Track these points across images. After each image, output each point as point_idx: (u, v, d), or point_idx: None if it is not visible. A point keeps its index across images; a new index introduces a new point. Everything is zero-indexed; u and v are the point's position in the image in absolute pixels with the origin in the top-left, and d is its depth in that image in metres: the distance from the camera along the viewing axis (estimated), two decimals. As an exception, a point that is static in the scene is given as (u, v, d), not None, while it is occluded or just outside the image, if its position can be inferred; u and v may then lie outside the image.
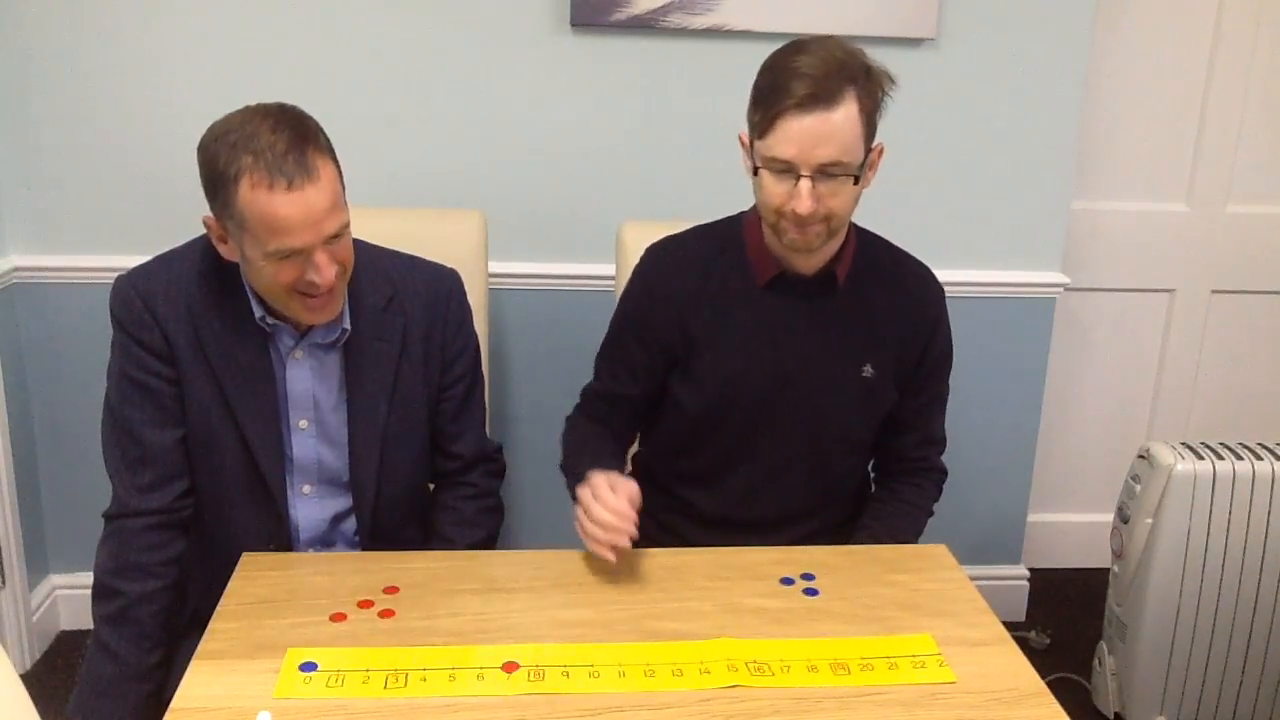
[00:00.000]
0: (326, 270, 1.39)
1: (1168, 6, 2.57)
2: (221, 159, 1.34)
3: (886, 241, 1.70)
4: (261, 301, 1.49)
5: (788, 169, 1.45)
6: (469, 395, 1.67)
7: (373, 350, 1.55)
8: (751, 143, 1.51)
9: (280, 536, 1.58)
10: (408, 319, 1.57)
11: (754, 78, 1.50)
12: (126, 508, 1.50)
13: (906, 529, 1.68)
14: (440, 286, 1.62)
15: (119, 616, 1.47)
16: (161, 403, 1.50)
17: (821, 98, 1.41)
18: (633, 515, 1.43)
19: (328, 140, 1.42)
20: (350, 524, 1.63)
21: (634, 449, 1.85)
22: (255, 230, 1.35)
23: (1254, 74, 2.62)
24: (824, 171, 1.44)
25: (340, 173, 1.43)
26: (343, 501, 1.61)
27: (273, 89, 2.25)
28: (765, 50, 1.52)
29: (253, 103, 1.41)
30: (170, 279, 1.50)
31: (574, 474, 1.58)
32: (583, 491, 1.47)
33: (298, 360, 1.53)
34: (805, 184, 1.43)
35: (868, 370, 1.63)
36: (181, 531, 1.54)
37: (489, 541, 1.69)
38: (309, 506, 1.59)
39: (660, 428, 1.76)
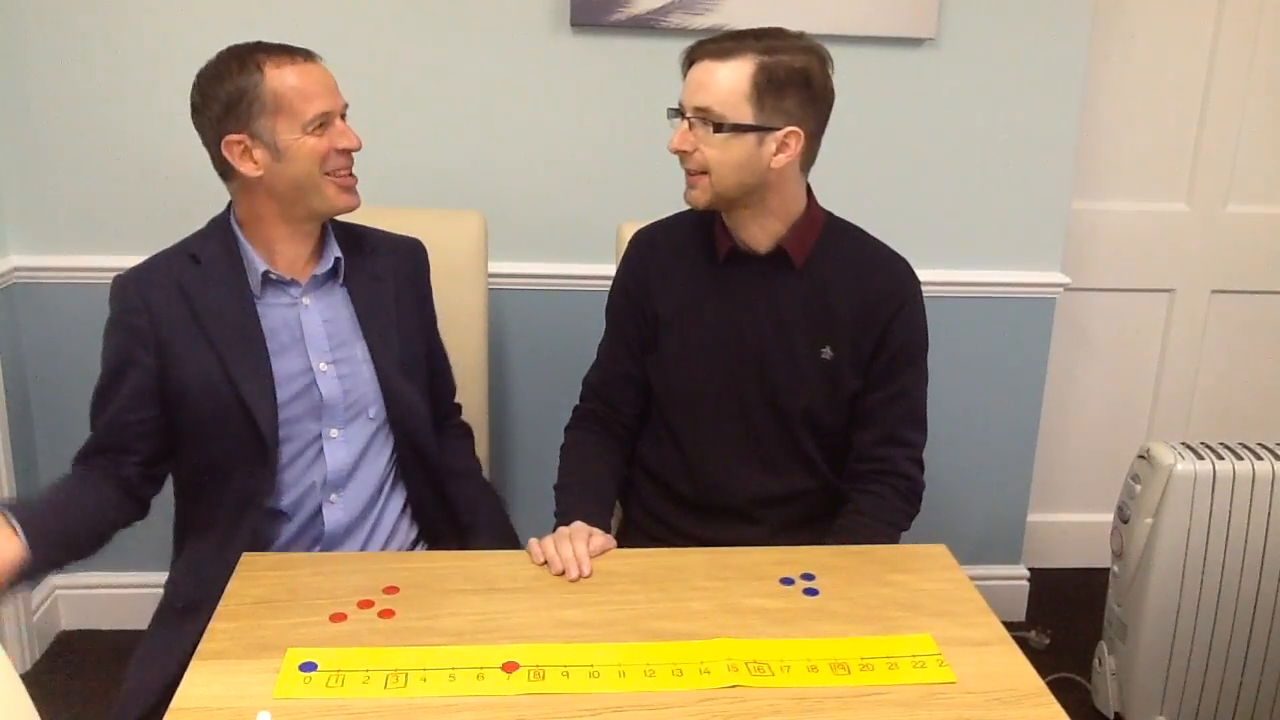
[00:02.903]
0: (353, 133, 1.56)
1: (1168, 6, 2.57)
2: (234, 72, 1.50)
3: (861, 231, 1.72)
4: (267, 258, 1.59)
5: (678, 112, 1.59)
6: (437, 337, 1.82)
7: (371, 284, 1.67)
8: None
9: (268, 495, 1.61)
10: (393, 262, 1.71)
11: None
12: (84, 454, 1.61)
13: (863, 544, 1.59)
14: (413, 250, 1.76)
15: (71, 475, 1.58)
16: (133, 388, 1.58)
17: (714, 52, 1.54)
18: (589, 565, 1.49)
19: None
20: (374, 466, 1.68)
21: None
22: (290, 103, 1.50)
23: (1254, 74, 2.63)
24: (698, 117, 1.55)
25: None
26: (364, 438, 1.66)
27: (273, 89, 2.25)
28: (765, 50, 1.53)
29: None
30: (163, 266, 1.61)
31: (562, 506, 1.65)
32: (561, 530, 1.55)
33: (308, 307, 1.62)
34: (681, 124, 1.58)
35: (826, 352, 1.66)
36: (125, 490, 1.59)
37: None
38: (336, 450, 1.65)
39: (651, 416, 1.79)
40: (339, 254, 1.64)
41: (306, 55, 1.54)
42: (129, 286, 1.59)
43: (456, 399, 1.88)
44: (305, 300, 1.62)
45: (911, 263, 1.71)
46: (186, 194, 2.29)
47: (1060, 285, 2.51)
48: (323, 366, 1.62)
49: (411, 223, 1.80)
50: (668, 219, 1.78)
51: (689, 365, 1.69)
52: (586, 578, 1.46)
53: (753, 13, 2.23)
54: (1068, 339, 2.76)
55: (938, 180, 2.42)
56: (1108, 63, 2.58)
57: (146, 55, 2.24)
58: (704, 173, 1.58)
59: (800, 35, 1.57)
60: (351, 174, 1.58)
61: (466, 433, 1.88)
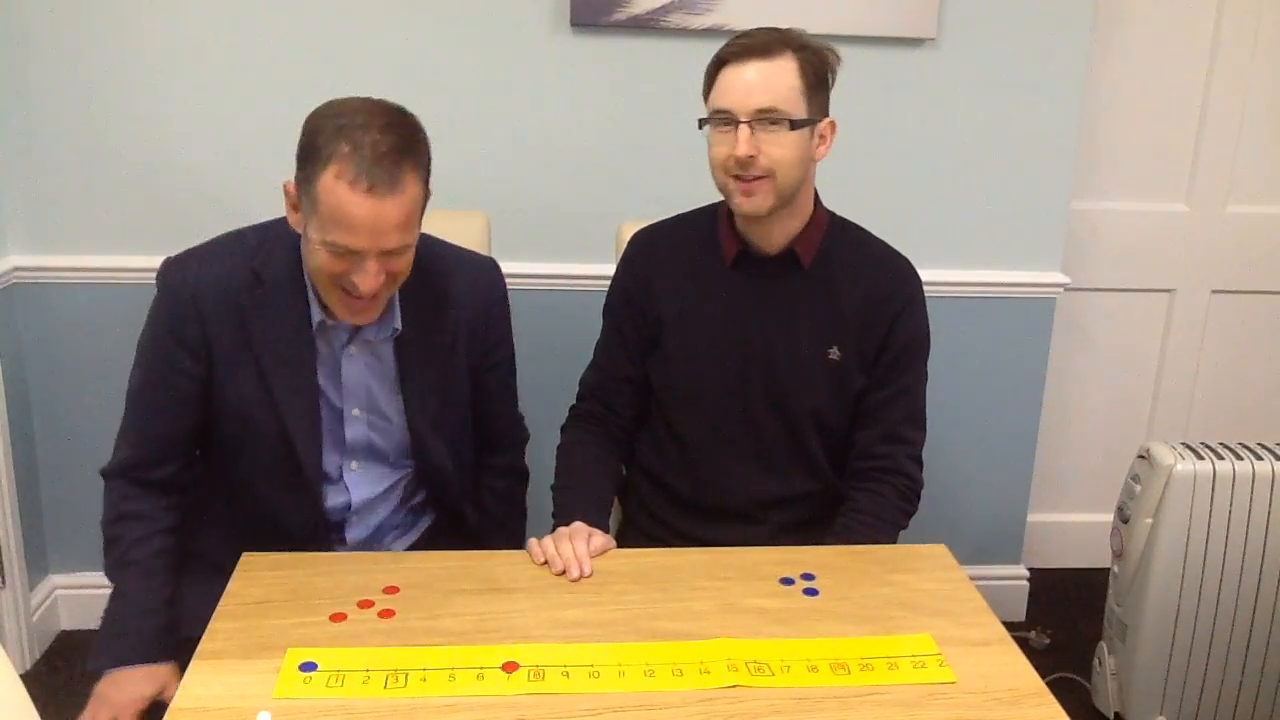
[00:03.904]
0: (372, 279, 1.40)
1: (1168, 6, 2.57)
2: (322, 136, 1.36)
3: (863, 230, 1.72)
4: (323, 305, 1.51)
5: (728, 119, 1.53)
6: (506, 379, 1.75)
7: (425, 348, 1.59)
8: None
9: (316, 521, 1.61)
10: (458, 317, 1.61)
11: None
12: (121, 470, 1.57)
13: (864, 543, 1.61)
14: (485, 285, 1.66)
15: (121, 561, 1.53)
16: (179, 396, 1.54)
17: (757, 50, 1.52)
18: (590, 564, 1.49)
19: (428, 159, 1.44)
20: (397, 495, 1.68)
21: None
22: (323, 216, 1.36)
23: (1254, 74, 2.63)
24: (761, 119, 1.51)
25: (427, 195, 1.45)
26: (388, 473, 1.66)
27: (273, 91, 2.26)
28: (765, 50, 1.52)
29: (282, 100, 1.45)
30: (222, 274, 1.51)
31: (560, 507, 1.65)
32: (561, 530, 1.55)
33: (352, 355, 1.57)
34: (744, 130, 1.51)
35: (834, 353, 1.65)
36: (168, 489, 1.58)
37: (520, 513, 1.82)
38: (356, 480, 1.64)
39: (652, 417, 1.79)
40: (398, 325, 1.55)
41: (383, 185, 1.34)
42: (183, 291, 1.50)
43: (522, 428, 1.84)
44: (351, 349, 1.57)
45: (911, 262, 1.72)
46: (186, 194, 2.29)
47: (1060, 285, 2.51)
48: (355, 412, 1.60)
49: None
50: (667, 220, 1.78)
51: (694, 368, 1.69)
52: (587, 578, 1.46)
53: (753, 13, 2.23)
54: (1068, 339, 2.76)
55: (938, 180, 2.42)
56: (1108, 63, 2.58)
57: (147, 55, 2.24)
58: (765, 176, 1.54)
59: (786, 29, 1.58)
60: (371, 298, 1.43)
61: (507, 473, 1.80)
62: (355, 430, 1.61)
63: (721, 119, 1.54)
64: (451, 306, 1.60)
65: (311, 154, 1.37)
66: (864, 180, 2.38)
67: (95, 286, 2.33)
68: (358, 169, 1.33)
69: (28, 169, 2.29)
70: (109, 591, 1.55)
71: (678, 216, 1.77)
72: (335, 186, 1.34)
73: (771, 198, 1.56)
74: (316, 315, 1.52)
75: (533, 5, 2.25)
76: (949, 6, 2.31)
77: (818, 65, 1.55)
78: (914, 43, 2.33)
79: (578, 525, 1.56)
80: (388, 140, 1.35)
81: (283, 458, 1.56)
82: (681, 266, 1.70)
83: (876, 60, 2.32)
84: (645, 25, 2.25)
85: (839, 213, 1.72)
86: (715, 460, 1.71)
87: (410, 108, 2.26)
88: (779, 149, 1.52)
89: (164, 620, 1.50)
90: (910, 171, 2.41)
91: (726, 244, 1.66)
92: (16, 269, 2.33)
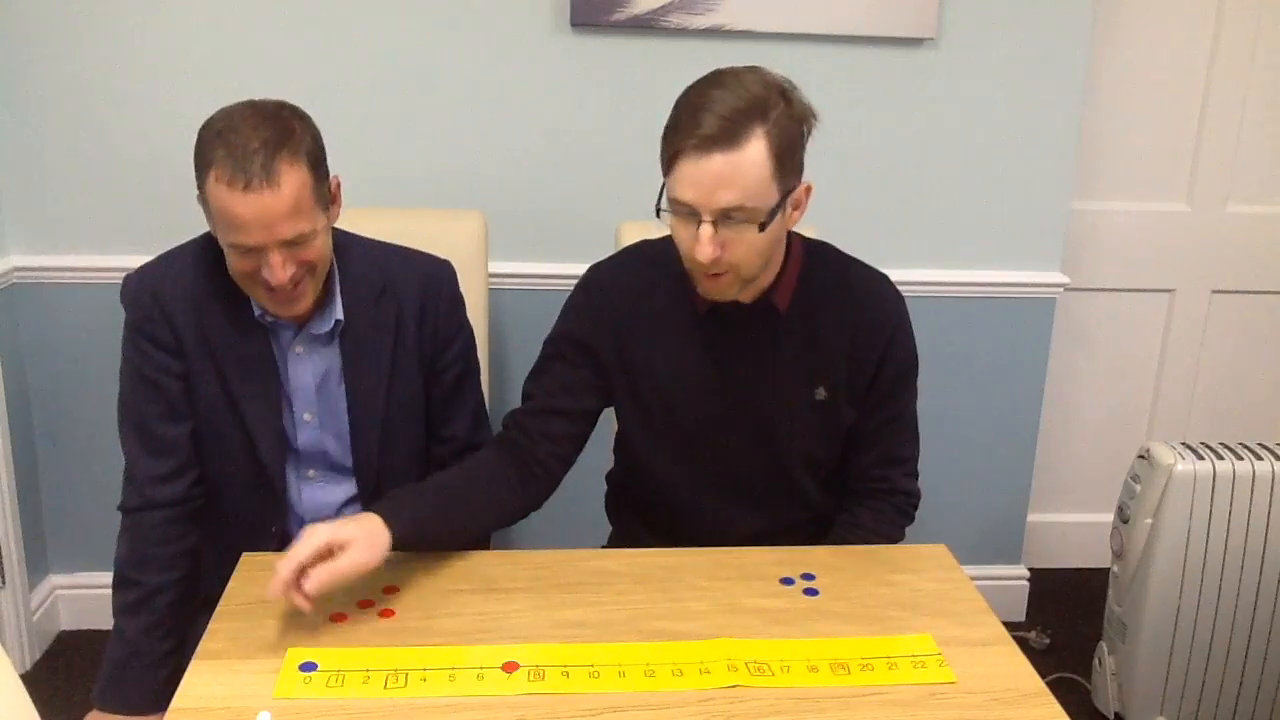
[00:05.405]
0: (279, 271, 1.41)
1: (1168, 6, 2.57)
2: (203, 143, 1.41)
3: (839, 254, 1.63)
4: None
5: (690, 212, 1.38)
6: (461, 381, 1.70)
7: (369, 341, 1.59)
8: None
9: (279, 521, 1.62)
10: (401, 308, 1.60)
11: None
12: (145, 499, 1.56)
13: None
14: (432, 278, 1.65)
15: (135, 606, 1.53)
16: (170, 397, 1.55)
17: (721, 139, 1.34)
18: (283, 586, 1.26)
19: (315, 146, 1.44)
20: (357, 509, 1.65)
21: (610, 468, 1.82)
22: (217, 221, 1.42)
23: (1254, 74, 2.63)
24: (726, 216, 1.37)
25: (317, 181, 1.44)
26: (348, 487, 1.66)
27: (272, 90, 2.24)
28: (765, 50, 1.52)
29: (256, 98, 1.46)
30: (176, 275, 1.55)
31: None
32: (308, 530, 1.32)
33: (298, 355, 1.57)
34: (706, 230, 1.37)
35: (820, 393, 1.58)
36: (194, 523, 1.59)
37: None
38: (314, 491, 1.64)
39: (629, 455, 1.72)
40: (340, 316, 1.56)
41: (259, 179, 1.36)
42: (143, 296, 1.54)
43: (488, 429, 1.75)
44: (297, 348, 1.57)
45: (911, 263, 1.70)
46: (186, 194, 2.28)
47: (1060, 285, 2.51)
48: (306, 416, 1.60)
49: (411, 223, 1.80)
50: (622, 259, 1.67)
51: (674, 416, 1.60)
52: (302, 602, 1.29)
53: (753, 13, 2.23)
54: (1068, 339, 2.76)
55: (938, 180, 2.42)
56: (1108, 63, 2.58)
57: (146, 55, 2.24)
58: (730, 270, 1.42)
59: (755, 70, 1.41)
60: (293, 290, 1.45)
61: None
62: (308, 436, 1.60)
63: (684, 210, 1.39)
64: (393, 295, 1.59)
65: (198, 163, 1.41)
66: (864, 180, 2.38)
67: (95, 286, 2.33)
68: (233, 169, 1.36)
69: (28, 169, 2.29)
70: (109, 592, 1.55)
71: (635, 256, 1.65)
72: (217, 190, 1.38)
73: (737, 285, 1.46)
74: (257, 310, 1.53)
75: (533, 5, 2.25)
76: (949, 6, 2.31)
77: (789, 127, 1.38)
78: (914, 43, 2.33)
79: (323, 528, 1.31)
80: (259, 136, 1.37)
81: (248, 459, 1.57)
82: (650, 314, 1.59)
83: (876, 60, 2.32)
84: (645, 25, 2.25)
85: (837, 216, 1.69)
86: (703, 502, 1.65)
87: (410, 107, 2.29)
88: (743, 247, 1.39)
89: (166, 672, 1.51)
90: (910, 171, 2.41)
91: (697, 295, 1.53)
92: (16, 269, 2.33)
